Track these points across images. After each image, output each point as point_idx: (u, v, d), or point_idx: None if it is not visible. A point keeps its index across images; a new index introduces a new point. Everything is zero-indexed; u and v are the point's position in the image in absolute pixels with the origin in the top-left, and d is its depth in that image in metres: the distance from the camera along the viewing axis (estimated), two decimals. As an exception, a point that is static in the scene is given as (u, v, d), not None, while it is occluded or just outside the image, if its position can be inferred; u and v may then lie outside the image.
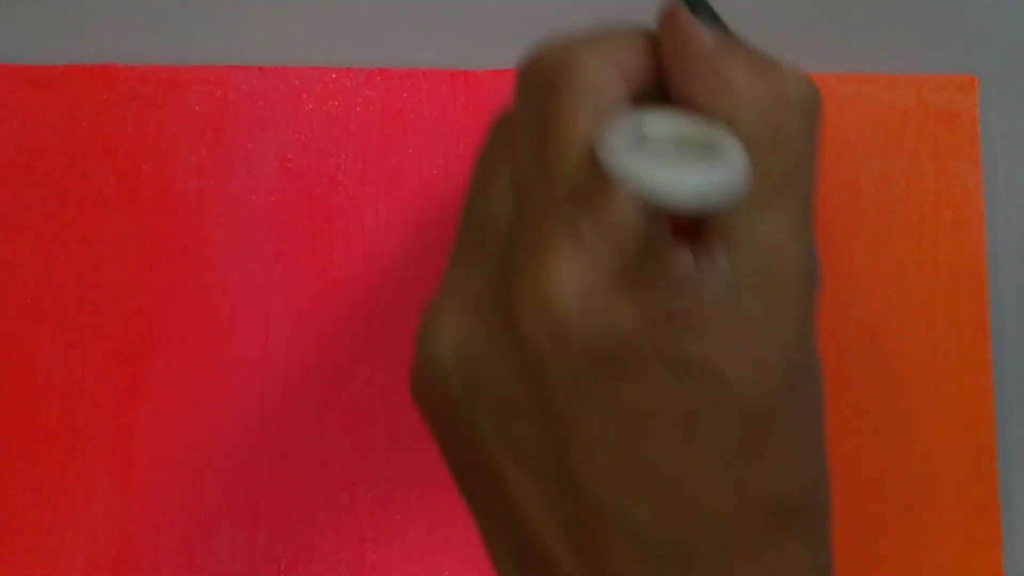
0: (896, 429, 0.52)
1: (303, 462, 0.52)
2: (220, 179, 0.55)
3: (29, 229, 0.54)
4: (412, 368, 0.40)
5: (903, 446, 0.52)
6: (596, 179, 0.34)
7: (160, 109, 0.55)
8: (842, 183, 0.54)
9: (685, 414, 0.33)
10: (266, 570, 0.51)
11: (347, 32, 0.57)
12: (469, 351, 0.36)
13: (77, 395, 0.53)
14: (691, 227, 0.34)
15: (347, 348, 0.53)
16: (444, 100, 0.56)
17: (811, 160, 0.36)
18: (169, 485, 0.52)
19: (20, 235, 0.54)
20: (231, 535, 0.52)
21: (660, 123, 0.35)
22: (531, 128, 0.37)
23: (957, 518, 0.51)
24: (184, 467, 0.52)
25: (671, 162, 0.33)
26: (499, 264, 0.37)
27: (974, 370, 0.53)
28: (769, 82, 0.37)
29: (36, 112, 0.55)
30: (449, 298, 0.39)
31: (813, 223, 0.35)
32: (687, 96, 0.36)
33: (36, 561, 0.51)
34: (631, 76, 0.37)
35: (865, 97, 0.55)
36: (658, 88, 0.38)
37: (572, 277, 0.33)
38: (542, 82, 0.38)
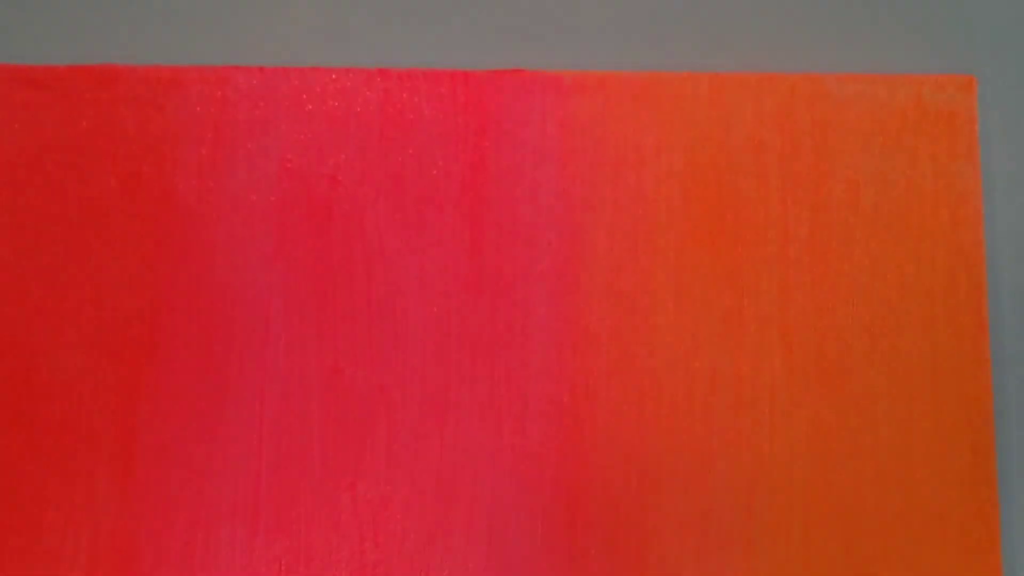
0: (895, 429, 0.51)
1: (303, 462, 0.52)
2: (220, 179, 0.54)
3: (29, 230, 0.54)
4: None
5: (902, 446, 0.51)
6: None
7: (160, 109, 0.55)
8: (841, 183, 0.54)
9: None
10: (266, 570, 0.51)
11: (347, 32, 0.57)
12: None
13: (78, 395, 0.52)
14: None
15: (347, 348, 0.53)
16: (444, 100, 0.55)
17: None
18: (170, 485, 0.51)
19: (20, 235, 0.54)
20: (231, 535, 0.51)
21: None
22: None
23: (956, 517, 0.51)
24: (185, 467, 0.52)
25: None
26: None
27: (973, 369, 0.52)
28: None
29: (36, 113, 0.55)
30: None
31: None
32: None
33: (37, 561, 0.51)
34: None
35: (864, 97, 0.54)
36: None
37: None
38: None
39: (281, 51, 0.57)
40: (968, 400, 0.52)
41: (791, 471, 0.51)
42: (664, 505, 0.51)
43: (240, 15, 0.57)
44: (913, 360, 0.52)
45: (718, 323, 0.53)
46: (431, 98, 0.55)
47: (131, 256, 0.54)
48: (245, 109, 0.55)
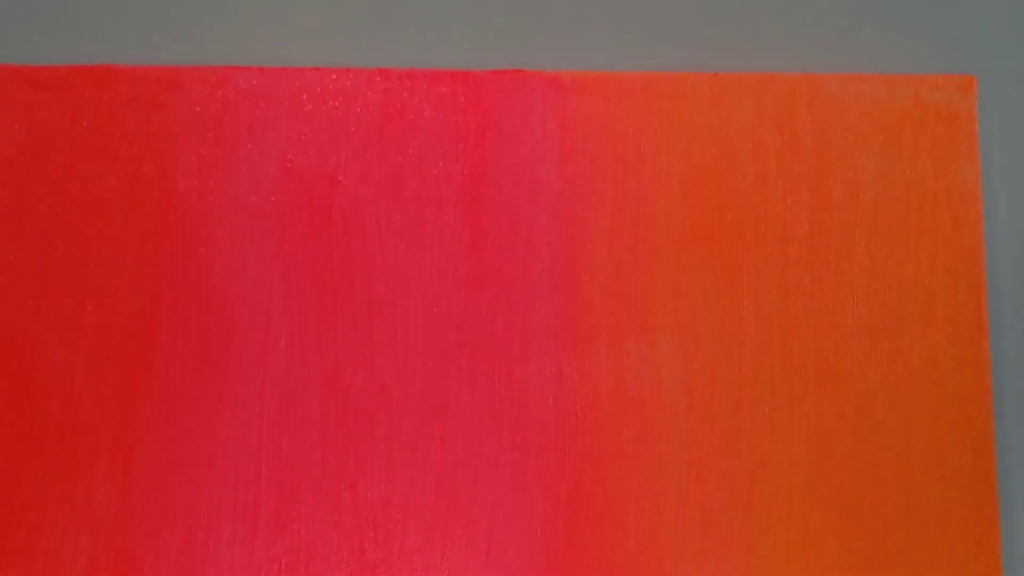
0: (895, 429, 0.51)
1: (303, 462, 0.51)
2: (220, 180, 0.54)
3: (29, 229, 0.53)
4: None
5: (901, 446, 0.50)
6: None
7: (160, 109, 0.54)
8: (841, 183, 0.53)
9: None
10: (266, 570, 0.50)
11: (347, 33, 0.56)
12: None
13: (78, 395, 0.52)
14: None
15: (347, 348, 0.52)
16: (444, 100, 0.54)
17: None
18: (170, 484, 0.51)
19: (20, 235, 0.53)
20: (231, 534, 0.50)
21: None
22: None
23: (956, 517, 0.50)
24: (185, 466, 0.51)
25: None
26: None
27: (973, 369, 0.51)
28: None
29: (36, 113, 0.54)
30: None
31: None
32: None
33: (37, 560, 0.50)
34: None
35: (864, 97, 0.54)
36: None
37: None
38: None
39: (281, 51, 0.56)
40: (968, 400, 0.51)
41: (791, 471, 0.51)
42: (664, 505, 0.50)
43: (240, 15, 0.56)
44: (913, 360, 0.52)
45: (718, 323, 0.52)
46: (431, 98, 0.54)
47: (131, 256, 0.53)
48: (245, 109, 0.54)
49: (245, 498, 0.51)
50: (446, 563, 0.50)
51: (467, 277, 0.53)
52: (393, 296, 0.52)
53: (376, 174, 0.54)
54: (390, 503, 0.51)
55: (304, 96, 0.54)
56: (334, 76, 0.54)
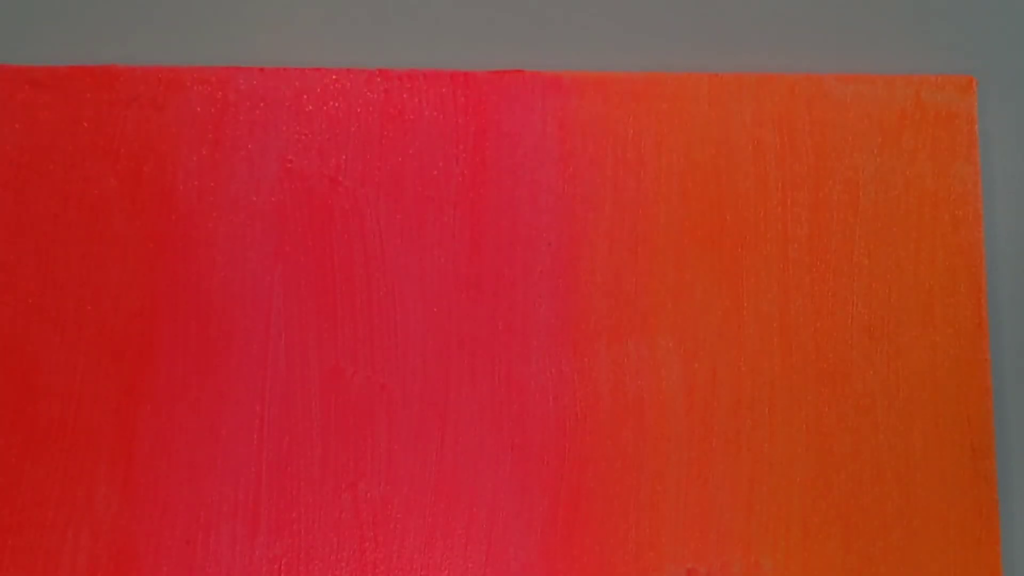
0: (894, 429, 0.50)
1: (303, 462, 0.50)
2: (221, 180, 0.53)
3: (30, 229, 0.52)
4: None
5: (901, 446, 0.50)
6: None
7: (161, 110, 0.54)
8: (840, 183, 0.52)
9: None
10: (267, 569, 0.49)
11: (348, 33, 0.56)
12: None
13: (78, 394, 0.51)
14: None
15: (347, 348, 0.51)
16: (444, 101, 0.54)
17: None
18: (170, 484, 0.50)
19: (21, 235, 0.52)
20: (232, 534, 0.50)
21: None
22: None
23: (955, 516, 0.49)
24: (185, 466, 0.50)
25: None
26: None
27: (972, 369, 0.51)
28: None
29: (37, 113, 0.54)
30: None
31: None
32: None
33: (38, 559, 0.49)
34: None
35: (863, 97, 0.53)
36: None
37: None
38: None
39: (281, 51, 0.56)
40: (968, 400, 0.50)
41: (791, 471, 0.50)
42: (664, 505, 0.50)
43: (240, 15, 0.56)
44: (913, 360, 0.51)
45: (718, 323, 0.51)
46: (431, 99, 0.54)
47: (131, 256, 0.52)
48: (245, 110, 0.53)
49: (245, 498, 0.50)
50: (446, 563, 0.49)
51: (467, 277, 0.52)
52: (393, 296, 0.52)
53: (376, 174, 0.53)
54: (390, 503, 0.50)
55: (305, 97, 0.54)
56: (334, 77, 0.54)
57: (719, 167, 0.52)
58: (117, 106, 0.53)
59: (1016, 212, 0.53)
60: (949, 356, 0.51)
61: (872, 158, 0.52)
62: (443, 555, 0.49)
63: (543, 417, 0.50)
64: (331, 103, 0.54)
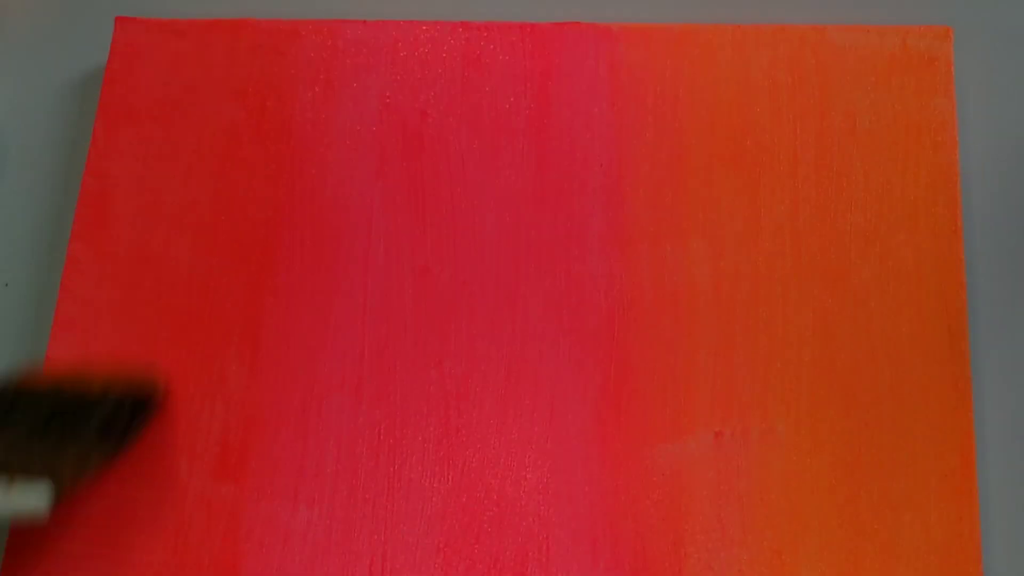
0: (886, 315, 0.44)
1: (398, 345, 0.45)
2: (331, 113, 0.48)
3: (174, 156, 0.47)
4: None
5: (891, 329, 0.44)
6: None
7: (281, 55, 0.48)
8: (840, 115, 0.46)
9: None
10: (368, 433, 0.44)
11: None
12: None
13: (214, 289, 0.45)
14: None
15: (435, 251, 0.46)
16: (514, 48, 0.48)
17: None
18: (289, 363, 0.44)
19: (168, 161, 0.47)
20: (340, 404, 0.44)
21: None
22: None
23: (935, 388, 0.43)
24: (301, 348, 0.45)
25: None
26: None
27: (949, 266, 0.44)
28: None
29: (179, 59, 0.49)
30: None
31: None
32: None
33: (180, 425, 0.44)
34: None
35: (859, 44, 0.47)
36: None
37: None
38: None
39: (381, 7, 0.50)
40: (946, 291, 0.44)
41: (800, 351, 0.44)
42: (695, 379, 0.44)
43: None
44: (900, 259, 0.44)
45: (739, 229, 0.45)
46: (504, 46, 0.48)
47: (257, 176, 0.47)
48: (351, 55, 0.48)
49: (351, 374, 0.44)
50: (516, 428, 0.43)
51: (533, 192, 0.46)
52: (473, 208, 0.46)
53: (459, 108, 0.47)
54: (469, 379, 0.44)
55: (399, 44, 0.48)
56: (424, 28, 0.48)
57: (741, 102, 0.47)
58: (245, 53, 0.48)
59: (984, 137, 0.48)
60: (930, 255, 0.44)
61: (867, 94, 0.46)
62: (513, 421, 0.43)
63: (596, 307, 0.45)
64: (421, 49, 0.48)
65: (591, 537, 0.42)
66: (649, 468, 0.43)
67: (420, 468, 0.43)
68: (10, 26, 0.52)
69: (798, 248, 0.45)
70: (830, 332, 0.44)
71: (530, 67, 0.48)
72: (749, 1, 0.50)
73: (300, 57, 0.48)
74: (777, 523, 0.42)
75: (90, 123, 0.48)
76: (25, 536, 0.42)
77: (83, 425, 0.40)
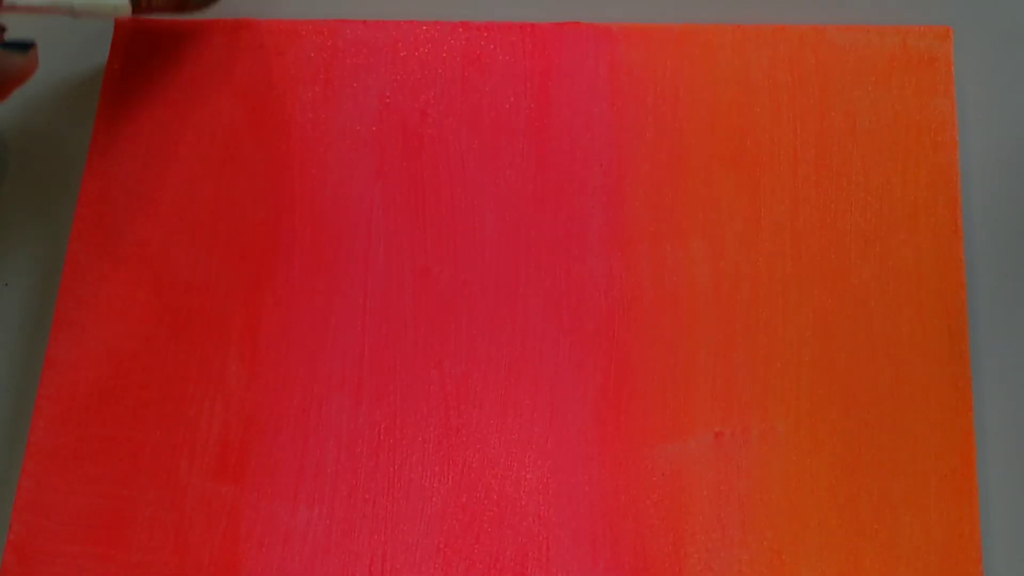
0: (885, 316, 0.44)
1: (398, 344, 0.44)
2: (330, 112, 0.47)
3: (175, 155, 0.47)
4: None
5: (891, 330, 0.43)
6: None
7: (282, 55, 0.48)
8: (840, 114, 0.46)
9: None
10: (368, 432, 0.43)
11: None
12: None
13: (213, 289, 0.45)
14: None
15: (434, 251, 0.45)
16: (514, 47, 0.48)
17: None
18: (289, 363, 0.44)
19: (168, 160, 0.47)
20: (339, 403, 0.44)
21: None
22: None
23: (935, 389, 0.43)
24: (301, 348, 0.44)
25: None
26: None
27: (949, 266, 0.44)
28: None
29: (179, 59, 0.49)
30: None
31: None
32: None
33: (180, 424, 0.44)
34: None
35: (859, 44, 0.47)
36: None
37: None
38: None
39: (380, 7, 0.50)
40: (946, 292, 0.44)
41: (800, 351, 0.44)
42: (695, 380, 0.44)
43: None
44: (900, 259, 0.44)
45: (739, 229, 0.45)
46: (504, 46, 0.48)
47: (257, 175, 0.47)
48: (351, 55, 0.48)
49: (351, 374, 0.44)
50: (515, 428, 0.43)
51: (533, 192, 0.46)
52: (473, 208, 0.46)
53: (458, 108, 0.47)
54: (469, 378, 0.44)
55: (399, 44, 0.48)
56: (424, 28, 0.48)
57: (741, 102, 0.46)
58: (246, 52, 0.48)
59: (985, 137, 0.48)
60: (930, 256, 0.44)
61: (867, 94, 0.46)
62: (513, 421, 0.43)
63: (596, 307, 0.44)
64: (421, 49, 0.48)
65: (591, 537, 0.42)
66: (649, 468, 0.43)
67: (420, 468, 0.43)
68: (10, 26, 0.52)
69: (798, 248, 0.45)
70: (830, 332, 0.44)
71: (530, 67, 0.48)
72: (749, 1, 0.50)
73: (300, 57, 0.48)
74: (777, 523, 0.42)
75: (90, 123, 0.48)
76: (25, 536, 0.42)
77: None
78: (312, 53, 0.48)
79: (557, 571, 0.42)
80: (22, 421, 0.45)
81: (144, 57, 0.48)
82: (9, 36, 0.42)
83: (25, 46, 0.42)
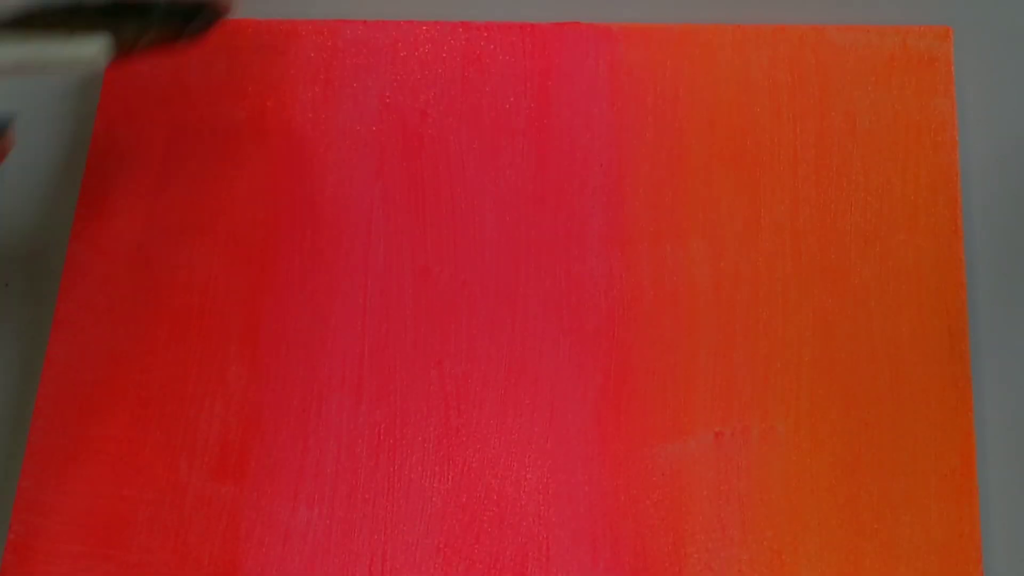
0: (885, 316, 0.44)
1: (398, 344, 0.44)
2: (330, 113, 0.47)
3: (176, 155, 0.47)
4: None
5: (891, 330, 0.43)
6: None
7: (282, 55, 0.48)
8: (841, 114, 0.46)
9: None
10: (368, 432, 0.43)
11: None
12: None
13: (213, 289, 0.45)
14: None
15: (435, 251, 0.45)
16: (514, 48, 0.48)
17: None
18: (289, 362, 0.44)
19: (169, 160, 0.47)
20: (340, 403, 0.44)
21: None
22: None
23: (935, 389, 0.43)
24: (301, 348, 0.44)
25: None
26: None
27: (949, 266, 0.44)
28: None
29: (179, 59, 0.48)
30: None
31: None
32: None
33: (179, 424, 0.44)
34: None
35: (860, 44, 0.47)
36: None
37: None
38: None
39: (380, 7, 0.50)
40: (946, 292, 0.44)
41: (800, 351, 0.43)
42: (695, 379, 0.44)
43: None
44: (900, 259, 0.44)
45: (739, 229, 0.45)
46: (504, 46, 0.48)
47: (257, 175, 0.47)
48: (351, 55, 0.48)
49: (351, 374, 0.44)
50: (515, 428, 0.43)
51: (533, 192, 0.46)
52: (473, 208, 0.46)
53: (458, 108, 0.47)
54: (469, 378, 0.44)
55: (399, 44, 0.48)
56: (424, 28, 0.48)
57: (741, 102, 0.46)
58: (246, 52, 0.48)
59: (985, 137, 0.47)
60: (930, 256, 0.44)
61: (867, 94, 0.46)
62: (513, 421, 0.43)
63: (596, 307, 0.44)
64: (421, 49, 0.48)
65: (591, 537, 0.42)
66: (649, 468, 0.43)
67: (420, 468, 0.43)
68: (10, 26, 0.52)
69: (798, 248, 0.45)
70: (830, 332, 0.44)
71: (530, 67, 0.48)
72: (749, 1, 0.50)
73: (300, 57, 0.48)
74: (777, 523, 0.42)
75: (90, 123, 0.48)
76: (25, 536, 0.42)
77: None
78: (312, 53, 0.48)
79: (557, 571, 0.42)
80: (22, 421, 0.45)
81: (144, 57, 0.48)
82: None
83: (1, 127, 0.41)
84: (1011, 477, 0.44)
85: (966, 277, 0.45)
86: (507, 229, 0.46)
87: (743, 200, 0.46)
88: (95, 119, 0.48)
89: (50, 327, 0.45)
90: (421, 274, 0.45)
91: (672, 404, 0.44)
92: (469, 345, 0.45)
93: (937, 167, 0.46)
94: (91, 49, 0.38)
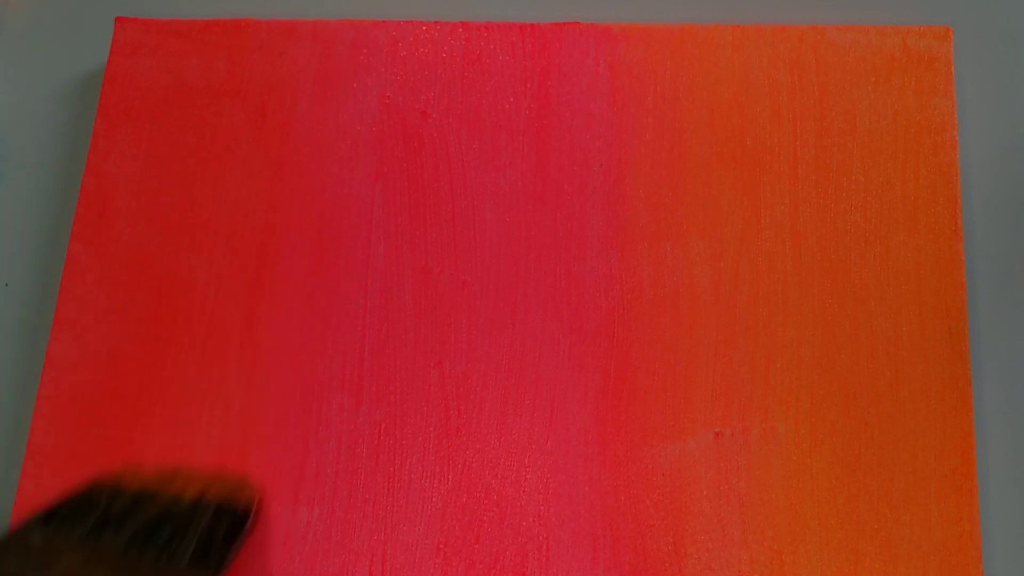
0: (886, 316, 0.43)
1: (398, 345, 0.44)
2: (331, 113, 0.47)
3: (174, 156, 0.47)
4: None
5: (891, 330, 0.43)
6: None
7: (281, 55, 0.48)
8: (841, 114, 0.46)
9: None
10: (369, 433, 0.43)
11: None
12: None
13: (214, 291, 0.45)
14: None
15: (435, 251, 0.45)
16: (514, 48, 0.48)
17: None
18: (289, 363, 0.44)
19: (168, 161, 0.47)
20: (340, 404, 0.44)
21: None
22: None
23: (935, 389, 0.43)
24: (301, 349, 0.44)
25: None
26: None
27: (949, 267, 0.44)
28: None
29: (179, 59, 0.48)
30: None
31: None
32: None
33: (180, 426, 0.44)
34: None
35: (860, 44, 0.47)
36: None
37: None
38: None
39: (381, 7, 0.50)
40: (946, 292, 0.44)
41: (800, 351, 0.43)
42: (695, 379, 0.43)
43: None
44: (901, 259, 0.44)
45: (739, 229, 0.45)
46: (504, 46, 0.48)
47: (257, 177, 0.47)
48: (351, 55, 0.48)
49: (351, 375, 0.44)
50: (515, 428, 0.43)
51: (533, 192, 0.46)
52: (473, 208, 0.46)
53: (459, 108, 0.47)
54: (470, 378, 0.44)
55: (400, 44, 0.48)
56: (424, 28, 0.48)
57: (740, 102, 0.46)
58: (246, 52, 0.48)
59: (985, 137, 0.47)
60: (930, 256, 0.44)
61: (867, 94, 0.46)
62: (513, 421, 0.43)
63: (595, 307, 0.44)
64: (421, 49, 0.48)
65: (591, 537, 0.42)
66: (649, 468, 0.43)
67: (420, 468, 0.43)
68: (10, 26, 0.52)
69: (798, 248, 0.45)
70: (830, 332, 0.44)
71: (530, 67, 0.48)
72: (749, 1, 0.50)
73: (300, 57, 0.48)
74: (777, 523, 0.42)
75: (90, 123, 0.48)
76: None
77: (177, 549, 0.36)
78: (312, 53, 0.48)
79: (557, 571, 0.42)
80: (22, 421, 0.45)
81: (144, 57, 0.48)
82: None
83: None
84: (1011, 477, 0.44)
85: (966, 277, 0.45)
86: (507, 229, 0.46)
87: (743, 200, 0.46)
88: (95, 119, 0.47)
89: (50, 327, 0.45)
90: (421, 274, 0.45)
91: (672, 404, 0.43)
92: (469, 345, 0.45)
93: (937, 167, 0.46)
94: None
